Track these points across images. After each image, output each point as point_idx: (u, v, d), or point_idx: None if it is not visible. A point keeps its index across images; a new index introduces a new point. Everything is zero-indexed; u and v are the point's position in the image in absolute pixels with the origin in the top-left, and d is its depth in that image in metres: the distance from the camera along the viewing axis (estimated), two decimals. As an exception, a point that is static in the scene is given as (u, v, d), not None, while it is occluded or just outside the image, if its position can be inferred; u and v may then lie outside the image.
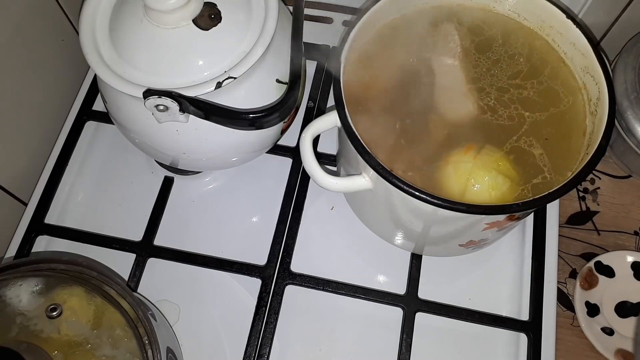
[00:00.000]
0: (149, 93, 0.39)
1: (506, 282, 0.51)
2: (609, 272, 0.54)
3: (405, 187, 0.37)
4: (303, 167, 0.46)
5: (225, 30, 0.42)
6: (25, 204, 0.55)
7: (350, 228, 0.53)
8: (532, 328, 0.48)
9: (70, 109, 0.58)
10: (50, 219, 0.53)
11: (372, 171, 0.39)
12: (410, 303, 0.49)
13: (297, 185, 0.54)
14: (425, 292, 0.50)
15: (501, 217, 0.40)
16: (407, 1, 0.47)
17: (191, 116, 0.42)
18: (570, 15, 0.44)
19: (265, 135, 0.48)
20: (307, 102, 0.57)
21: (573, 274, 0.55)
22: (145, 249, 0.51)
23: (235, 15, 0.43)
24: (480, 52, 0.46)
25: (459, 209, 0.37)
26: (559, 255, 0.52)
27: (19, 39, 0.51)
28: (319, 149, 0.56)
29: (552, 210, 0.54)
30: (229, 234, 0.53)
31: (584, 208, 0.58)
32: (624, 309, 0.52)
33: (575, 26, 0.44)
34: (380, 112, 0.44)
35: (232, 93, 0.43)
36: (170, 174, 0.55)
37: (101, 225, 0.53)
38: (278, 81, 0.46)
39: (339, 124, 0.42)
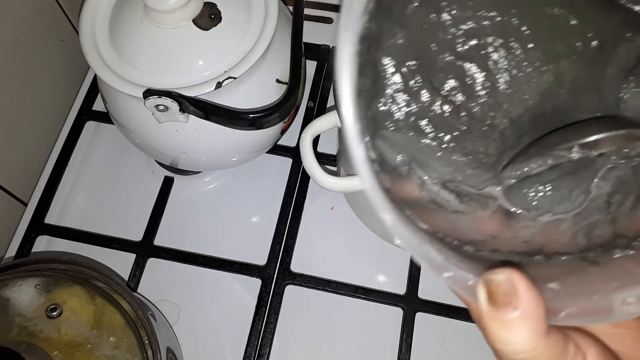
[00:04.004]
0: (149, 93, 0.39)
1: (506, 282, 0.51)
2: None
3: (405, 187, 0.37)
4: (303, 167, 0.46)
5: (225, 30, 0.42)
6: (25, 204, 0.55)
7: (350, 228, 0.53)
8: (532, 328, 0.48)
9: (70, 109, 0.59)
10: (50, 219, 0.53)
11: (372, 171, 0.39)
12: (410, 303, 0.49)
13: (297, 185, 0.54)
14: (425, 292, 0.50)
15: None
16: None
17: (191, 116, 0.42)
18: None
19: (265, 135, 0.48)
20: (307, 102, 0.57)
21: (573, 274, 0.55)
22: (145, 249, 0.51)
23: (235, 15, 0.43)
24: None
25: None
26: (559, 255, 0.52)
27: (19, 39, 0.51)
28: (319, 149, 0.56)
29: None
30: (229, 234, 0.53)
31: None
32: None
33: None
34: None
35: (232, 93, 0.43)
36: (170, 174, 0.55)
37: (101, 225, 0.53)
38: (278, 81, 0.46)
39: (339, 124, 0.42)
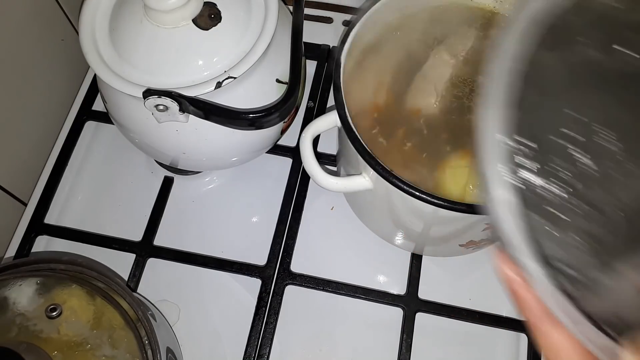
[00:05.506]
0: (148, 93, 0.39)
1: (506, 282, 0.51)
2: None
3: (405, 187, 0.37)
4: (303, 167, 0.46)
5: (225, 30, 0.42)
6: (25, 204, 0.55)
7: (350, 228, 0.52)
8: (532, 328, 0.48)
9: (70, 109, 0.58)
10: (50, 219, 0.53)
11: (372, 171, 0.39)
12: (410, 303, 0.49)
13: (297, 185, 0.54)
14: (425, 292, 0.50)
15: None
16: (408, 0, 0.47)
17: (191, 116, 0.42)
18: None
19: (265, 135, 0.48)
20: (307, 102, 0.57)
21: (573, 274, 0.55)
22: (145, 249, 0.51)
23: (235, 15, 0.43)
24: (476, 55, 0.46)
25: (459, 209, 0.37)
26: (559, 255, 0.52)
27: (19, 38, 0.51)
28: (319, 149, 0.56)
29: (552, 210, 0.53)
30: (229, 234, 0.53)
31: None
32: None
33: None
34: (381, 112, 0.44)
35: (232, 93, 0.43)
36: (170, 174, 0.55)
37: (101, 225, 0.53)
38: (278, 81, 0.46)
39: (339, 124, 0.42)
